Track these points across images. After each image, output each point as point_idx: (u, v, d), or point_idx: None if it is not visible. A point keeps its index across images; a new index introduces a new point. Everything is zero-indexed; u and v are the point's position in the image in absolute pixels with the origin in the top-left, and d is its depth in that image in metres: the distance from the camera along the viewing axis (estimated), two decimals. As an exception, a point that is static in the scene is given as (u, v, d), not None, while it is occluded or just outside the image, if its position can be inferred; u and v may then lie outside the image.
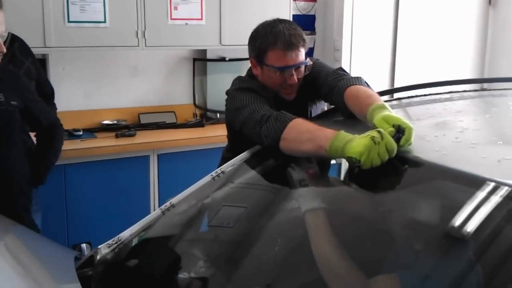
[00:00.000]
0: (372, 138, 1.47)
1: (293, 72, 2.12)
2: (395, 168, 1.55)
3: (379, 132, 1.50)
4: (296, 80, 2.14)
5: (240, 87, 2.16)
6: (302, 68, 2.15)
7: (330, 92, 2.11)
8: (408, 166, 1.54)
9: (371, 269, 1.43)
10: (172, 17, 3.83)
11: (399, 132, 1.55)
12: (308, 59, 2.16)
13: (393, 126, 1.58)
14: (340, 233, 1.59)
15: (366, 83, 2.07)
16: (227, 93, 2.22)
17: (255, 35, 2.18)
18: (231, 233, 1.86)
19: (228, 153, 2.38)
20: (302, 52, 2.13)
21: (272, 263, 1.71)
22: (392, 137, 1.52)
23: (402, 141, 1.54)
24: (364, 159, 1.47)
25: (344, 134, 1.58)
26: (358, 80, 2.05)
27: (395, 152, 1.50)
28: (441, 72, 4.63)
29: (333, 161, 2.14)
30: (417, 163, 1.51)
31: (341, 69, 2.20)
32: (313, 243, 1.50)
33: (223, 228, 1.87)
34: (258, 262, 1.73)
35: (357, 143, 1.50)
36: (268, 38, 2.11)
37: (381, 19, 4.73)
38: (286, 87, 2.16)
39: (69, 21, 3.56)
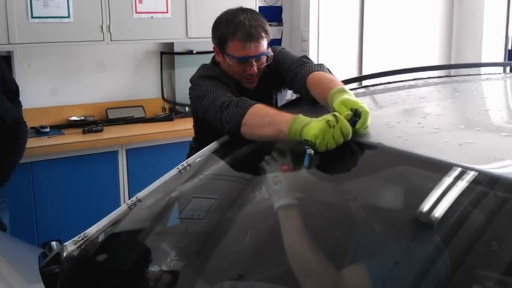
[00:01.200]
0: (327, 121, 1.50)
1: (253, 62, 2.14)
2: (360, 155, 1.56)
3: (334, 115, 1.53)
4: (256, 70, 2.15)
5: (202, 74, 2.17)
6: (263, 58, 2.17)
7: (293, 79, 2.14)
8: (370, 152, 1.55)
9: (342, 258, 1.44)
10: (137, 11, 3.80)
11: (356, 115, 1.57)
12: (269, 49, 2.18)
13: (351, 109, 1.60)
14: (313, 226, 1.60)
15: (328, 70, 2.10)
16: (190, 81, 2.22)
17: (217, 23, 2.19)
18: (200, 225, 1.86)
19: (195, 143, 2.39)
20: (263, 43, 2.13)
21: (243, 254, 1.71)
22: (348, 120, 1.55)
23: (358, 125, 1.57)
24: (319, 142, 1.50)
25: (302, 118, 1.61)
26: (320, 67, 2.08)
27: (350, 135, 1.53)
28: (408, 61, 4.66)
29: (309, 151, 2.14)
30: (380, 149, 1.51)
31: (305, 57, 2.22)
32: (285, 239, 1.50)
33: (192, 220, 1.86)
34: (228, 253, 1.72)
35: (313, 126, 1.53)
36: (229, 28, 2.12)
37: (347, 9, 4.75)
38: (246, 76, 2.17)
39: (32, 17, 3.51)
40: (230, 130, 1.90)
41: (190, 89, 2.21)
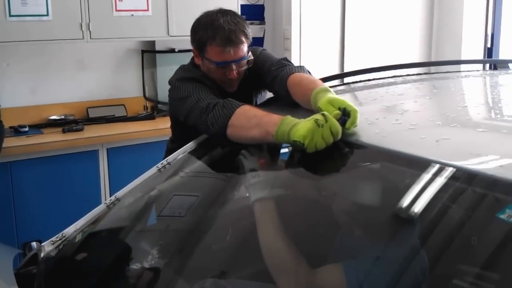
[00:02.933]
0: (316, 121, 1.47)
1: (233, 67, 2.09)
2: (338, 151, 1.56)
3: (323, 115, 1.49)
4: (236, 74, 2.11)
5: (183, 76, 2.12)
6: (243, 62, 2.12)
7: (273, 81, 2.10)
8: (348, 149, 1.55)
9: (319, 255, 1.44)
10: (117, 9, 3.78)
11: (345, 115, 1.54)
12: (249, 53, 2.13)
13: (339, 108, 1.57)
14: (291, 221, 1.60)
15: (309, 72, 2.07)
16: (169, 83, 2.18)
17: (196, 26, 2.14)
18: (181, 223, 1.85)
19: (172, 144, 2.35)
20: (243, 48, 2.08)
21: (224, 252, 1.71)
22: (338, 120, 1.51)
23: (348, 124, 1.54)
24: (308, 142, 1.47)
25: (290, 119, 1.57)
26: (300, 69, 2.05)
27: (340, 135, 1.49)
28: (389, 59, 4.69)
29: (284, 150, 2.14)
30: (358, 146, 1.51)
31: (285, 59, 2.18)
32: (260, 233, 1.50)
33: (173, 218, 1.85)
34: (210, 251, 1.72)
35: (301, 126, 1.50)
36: (208, 32, 2.06)
37: (329, 7, 4.76)
38: (226, 80, 2.13)
39: (10, 15, 3.47)
40: (216, 132, 1.84)
41: (169, 91, 2.17)
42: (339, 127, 1.49)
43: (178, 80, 2.11)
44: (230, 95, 2.05)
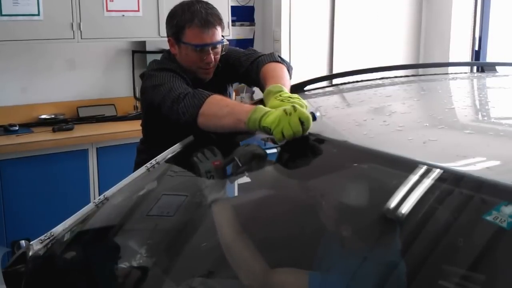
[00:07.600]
0: (284, 109, 1.53)
1: (210, 50, 2.15)
2: (325, 152, 1.57)
3: (293, 106, 1.54)
4: (213, 59, 2.17)
5: (158, 67, 2.16)
6: (219, 47, 2.19)
7: (247, 73, 2.22)
8: (336, 149, 1.55)
9: (300, 258, 1.46)
10: (108, 9, 3.79)
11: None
12: (224, 38, 2.20)
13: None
14: (273, 222, 1.62)
15: (280, 57, 2.18)
16: (144, 74, 2.23)
17: (172, 13, 2.20)
18: (169, 222, 1.86)
19: (142, 145, 2.40)
20: (219, 31, 2.16)
21: (212, 251, 1.71)
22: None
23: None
24: (275, 127, 1.53)
25: (262, 108, 1.63)
26: (271, 57, 2.17)
27: (309, 121, 1.53)
28: (378, 60, 4.71)
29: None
30: (345, 147, 1.52)
31: (250, 49, 2.31)
32: (219, 233, 1.55)
33: (161, 217, 1.85)
34: (198, 250, 1.73)
35: (271, 113, 1.57)
36: (185, 15, 2.12)
37: (318, 9, 4.78)
38: (203, 65, 2.18)
39: (2, 15, 3.47)
40: (186, 121, 1.89)
41: (143, 82, 2.20)
42: (307, 114, 1.53)
43: (153, 70, 2.16)
44: (205, 87, 2.10)
